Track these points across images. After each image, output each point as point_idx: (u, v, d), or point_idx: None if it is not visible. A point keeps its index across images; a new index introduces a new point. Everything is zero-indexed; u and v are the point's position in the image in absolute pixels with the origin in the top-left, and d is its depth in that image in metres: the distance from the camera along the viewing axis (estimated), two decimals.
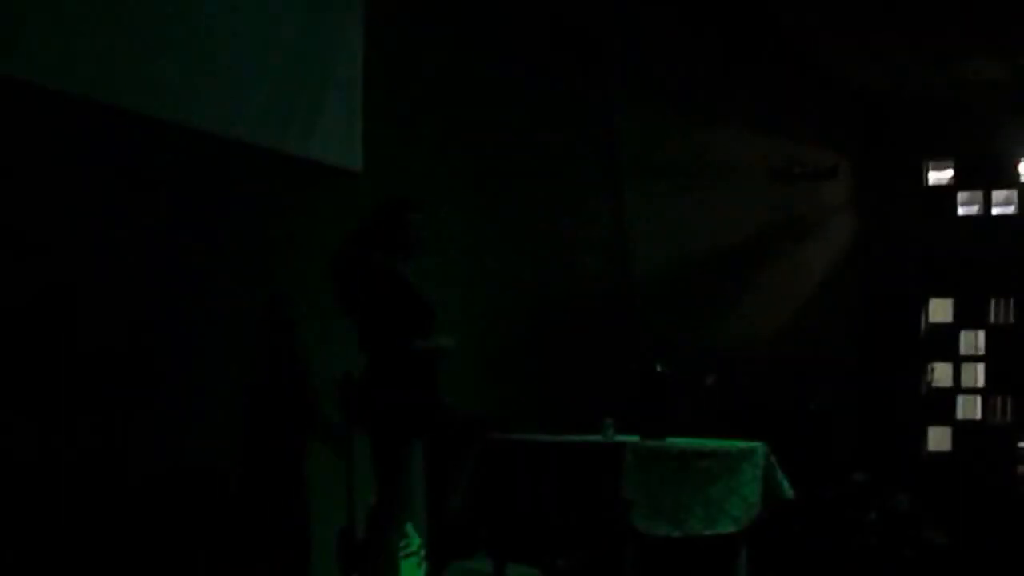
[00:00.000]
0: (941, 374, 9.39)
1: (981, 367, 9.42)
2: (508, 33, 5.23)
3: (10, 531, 3.00)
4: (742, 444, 3.92)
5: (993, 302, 9.27)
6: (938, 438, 9.37)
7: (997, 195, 9.34)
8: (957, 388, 9.39)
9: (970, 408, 9.48)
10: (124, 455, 3.39)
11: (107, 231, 3.45)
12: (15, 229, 3.16)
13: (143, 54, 3.60)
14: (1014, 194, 9.28)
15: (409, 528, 3.58)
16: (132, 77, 3.55)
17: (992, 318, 9.31)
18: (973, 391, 9.46)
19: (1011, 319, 9.20)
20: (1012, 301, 9.16)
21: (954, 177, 9.57)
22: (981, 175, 9.39)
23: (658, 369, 3.85)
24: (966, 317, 9.40)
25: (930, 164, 9.61)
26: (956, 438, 9.28)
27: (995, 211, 9.35)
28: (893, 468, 7.21)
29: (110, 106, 3.46)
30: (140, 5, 3.62)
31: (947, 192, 9.57)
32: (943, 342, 9.42)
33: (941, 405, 9.34)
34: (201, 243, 3.79)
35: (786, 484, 3.95)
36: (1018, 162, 9.07)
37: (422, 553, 3.78)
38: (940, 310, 9.49)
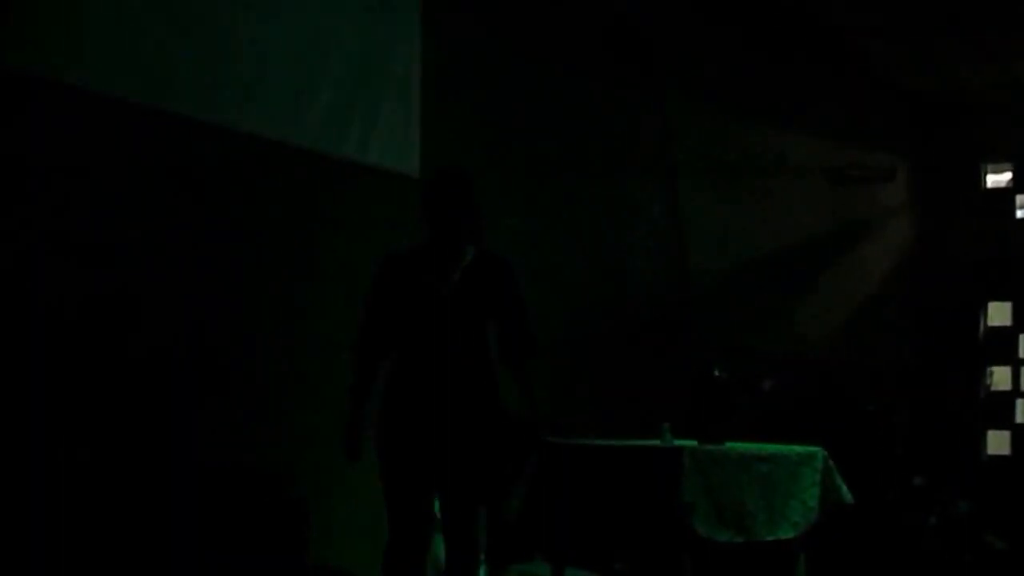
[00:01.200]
0: (1000, 378, 9.18)
1: None
2: (563, 35, 5.19)
3: (74, 531, 3.01)
4: (801, 449, 3.84)
5: None
6: (997, 442, 9.15)
7: None
8: (1016, 392, 9.16)
9: None
10: (191, 453, 3.40)
11: (169, 235, 3.46)
12: (82, 233, 3.19)
13: (203, 60, 3.62)
14: None
15: None
16: (192, 82, 3.57)
17: None
18: None
19: None
20: None
21: (1012, 179, 9.36)
22: None
23: (716, 373, 3.78)
24: None
25: (988, 167, 9.39)
26: (1015, 442, 9.06)
27: None
28: (952, 472, 7.04)
29: (170, 112, 3.48)
30: (199, 11, 3.64)
31: (1005, 195, 9.36)
32: (1002, 346, 9.20)
33: (1000, 409, 9.13)
34: (261, 247, 3.80)
35: (845, 488, 3.86)
36: None
37: (481, 557, 3.74)
38: (998, 314, 9.27)
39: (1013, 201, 9.23)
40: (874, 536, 5.39)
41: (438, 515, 2.91)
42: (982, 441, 9.07)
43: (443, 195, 2.86)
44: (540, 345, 3.04)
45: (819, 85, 7.44)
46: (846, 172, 7.79)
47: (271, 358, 3.79)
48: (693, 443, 3.56)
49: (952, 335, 8.99)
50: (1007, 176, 9.35)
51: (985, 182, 9.40)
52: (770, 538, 3.54)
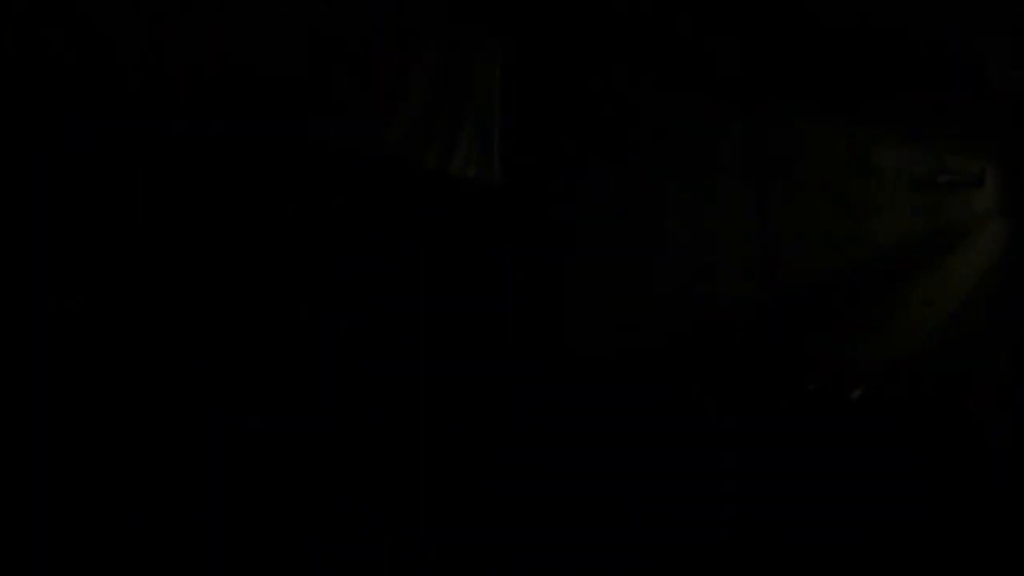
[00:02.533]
0: None
1: None
2: (644, 43, 5.09)
3: None
4: None
5: None
6: None
7: None
8: None
9: None
10: None
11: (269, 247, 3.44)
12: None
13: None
14: None
15: None
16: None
17: None
18: None
19: None
20: None
21: None
22: None
23: (809, 387, 3.62)
24: None
25: None
26: None
27: None
28: None
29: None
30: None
31: None
32: None
33: None
34: (350, 257, 3.76)
35: None
36: None
37: None
38: None
39: None
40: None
41: None
42: None
43: None
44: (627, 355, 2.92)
45: (906, 89, 7.22)
46: (934, 177, 7.55)
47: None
48: None
49: None
50: None
51: None
52: None
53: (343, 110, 3.77)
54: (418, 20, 4.07)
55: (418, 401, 3.59)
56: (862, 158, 6.87)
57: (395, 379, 3.65)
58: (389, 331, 3.73)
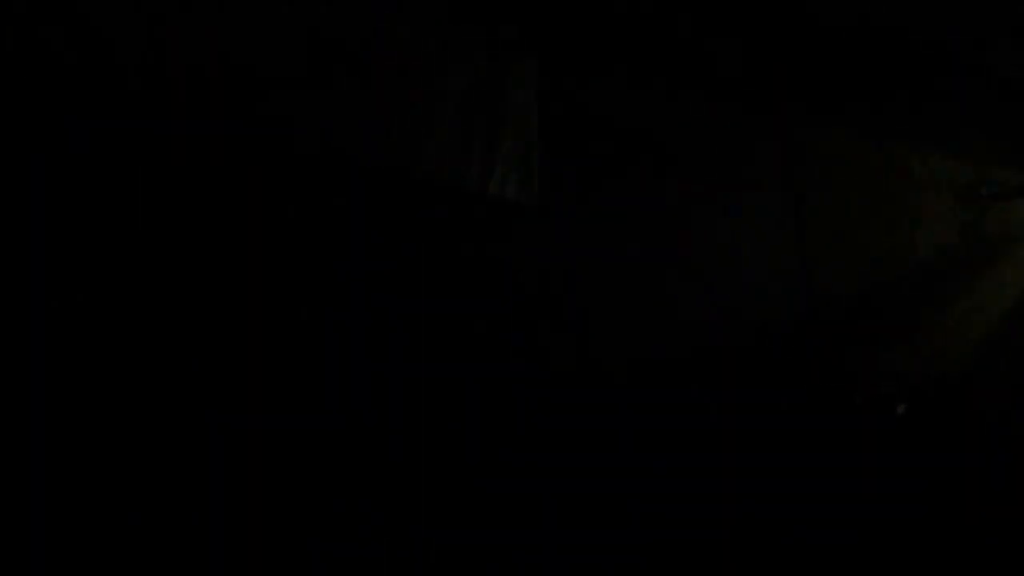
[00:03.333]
0: None
1: None
2: (680, 58, 5.05)
3: None
4: None
5: None
6: None
7: None
8: None
9: None
10: None
11: (300, 267, 3.43)
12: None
13: (340, 94, 3.60)
14: None
15: None
16: (311, 114, 3.56)
17: None
18: None
19: None
20: None
21: None
22: None
23: (855, 399, 3.55)
24: None
25: None
26: None
27: None
28: None
29: (313, 150, 3.48)
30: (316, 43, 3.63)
31: None
32: None
33: None
34: (386, 278, 3.75)
35: None
36: None
37: None
38: None
39: None
40: None
41: None
42: None
43: None
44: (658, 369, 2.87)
45: (946, 100, 7.12)
46: (978, 189, 7.43)
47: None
48: None
49: None
50: None
51: None
52: None
53: (378, 133, 3.77)
54: (452, 39, 4.07)
55: (440, 403, 3.57)
56: (902, 169, 6.78)
57: (426, 390, 3.63)
58: (427, 351, 3.71)
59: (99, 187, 3.02)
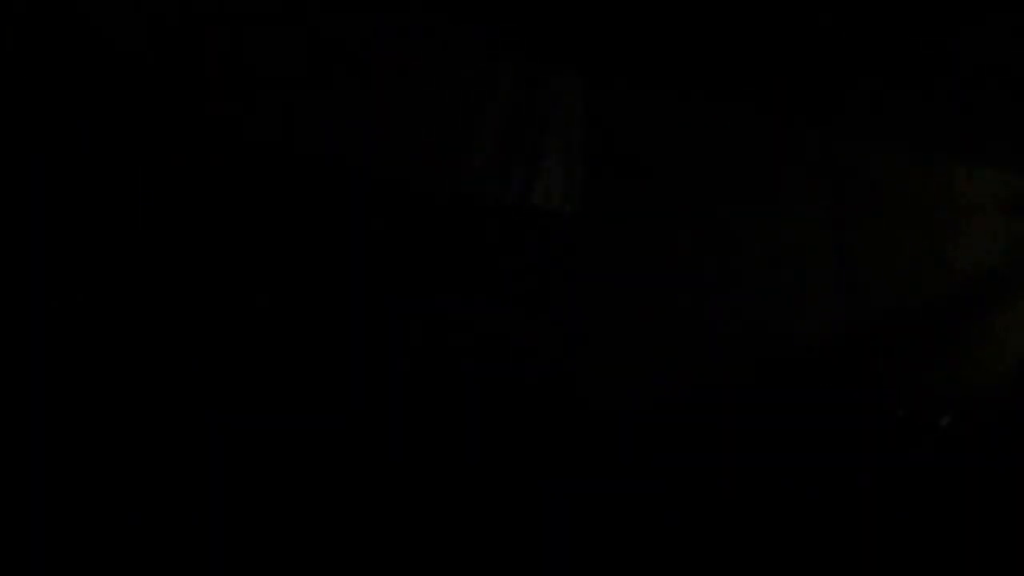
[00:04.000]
0: None
1: None
2: (723, 73, 5.03)
3: None
4: None
5: None
6: None
7: None
8: None
9: None
10: None
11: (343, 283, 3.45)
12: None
13: (371, 112, 3.63)
14: None
15: None
16: (362, 136, 3.58)
17: None
18: None
19: None
20: None
21: None
22: None
23: (899, 413, 3.51)
24: None
25: None
26: None
27: None
28: None
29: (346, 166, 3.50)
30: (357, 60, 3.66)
31: None
32: None
33: None
34: (433, 294, 3.76)
35: None
36: None
37: None
38: None
39: None
40: None
41: None
42: None
43: None
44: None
45: (992, 114, 7.03)
46: (1021, 203, 7.32)
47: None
48: None
49: None
50: None
51: None
52: None
53: (419, 149, 3.78)
54: (494, 53, 4.08)
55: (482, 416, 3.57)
56: (944, 183, 6.70)
57: (472, 406, 3.63)
58: (469, 362, 3.72)
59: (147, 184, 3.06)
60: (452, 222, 3.87)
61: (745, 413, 4.59)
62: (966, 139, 6.82)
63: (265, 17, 3.36)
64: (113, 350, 2.96)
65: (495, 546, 3.42)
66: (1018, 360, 7.15)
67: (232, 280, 3.16)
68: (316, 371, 3.28)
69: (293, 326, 3.26)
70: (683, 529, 3.61)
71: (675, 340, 4.60)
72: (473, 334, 3.73)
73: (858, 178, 5.99)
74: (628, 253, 4.52)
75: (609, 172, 4.48)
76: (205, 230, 3.13)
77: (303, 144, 3.39)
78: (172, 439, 2.95)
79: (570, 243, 4.21)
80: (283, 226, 3.31)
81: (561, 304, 4.10)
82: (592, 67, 4.47)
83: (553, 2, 4.22)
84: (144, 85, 3.10)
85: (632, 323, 4.43)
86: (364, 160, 3.55)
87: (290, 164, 3.37)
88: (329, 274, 3.42)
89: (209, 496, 2.93)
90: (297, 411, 3.16)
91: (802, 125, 5.66)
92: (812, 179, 5.73)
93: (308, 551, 3.10)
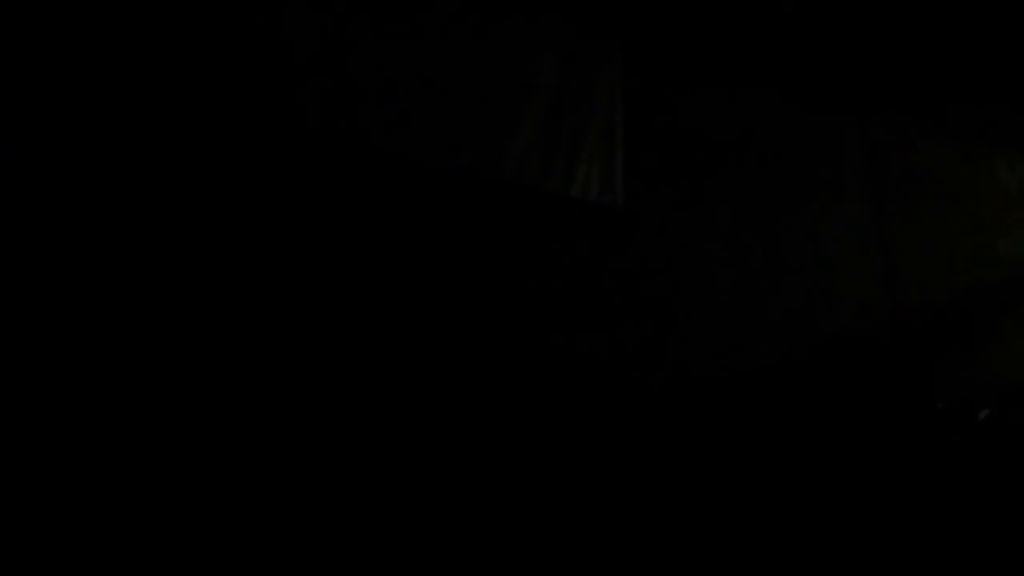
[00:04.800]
0: None
1: None
2: (766, 65, 5.00)
3: None
4: None
5: None
6: None
7: None
8: None
9: None
10: None
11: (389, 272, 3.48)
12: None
13: (403, 96, 3.66)
14: None
15: None
16: (411, 123, 3.61)
17: None
18: None
19: None
20: None
21: None
22: None
23: (937, 406, 3.49)
24: None
25: None
26: None
27: None
28: None
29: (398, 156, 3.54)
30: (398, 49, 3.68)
31: None
32: None
33: None
34: (471, 283, 3.77)
35: None
36: None
37: None
38: None
39: None
40: None
41: None
42: None
43: None
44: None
45: None
46: None
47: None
48: None
49: None
50: None
51: None
52: None
53: (461, 135, 3.79)
54: (536, 41, 4.08)
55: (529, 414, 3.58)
56: (986, 175, 6.62)
57: (508, 398, 3.64)
58: (508, 354, 3.73)
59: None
60: (495, 209, 3.89)
61: (780, 401, 4.58)
62: (1010, 133, 6.73)
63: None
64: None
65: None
66: None
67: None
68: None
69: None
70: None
71: (718, 328, 4.59)
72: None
73: (899, 169, 5.93)
74: (669, 244, 4.51)
75: (652, 164, 4.47)
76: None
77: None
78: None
79: (611, 232, 4.21)
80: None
81: (601, 294, 4.10)
82: (634, 57, 4.46)
83: None
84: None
85: (672, 313, 4.42)
86: (421, 150, 3.59)
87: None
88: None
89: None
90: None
91: (843, 117, 5.62)
92: (853, 170, 5.68)
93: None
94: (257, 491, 2.99)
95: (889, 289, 5.72)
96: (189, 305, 3.02)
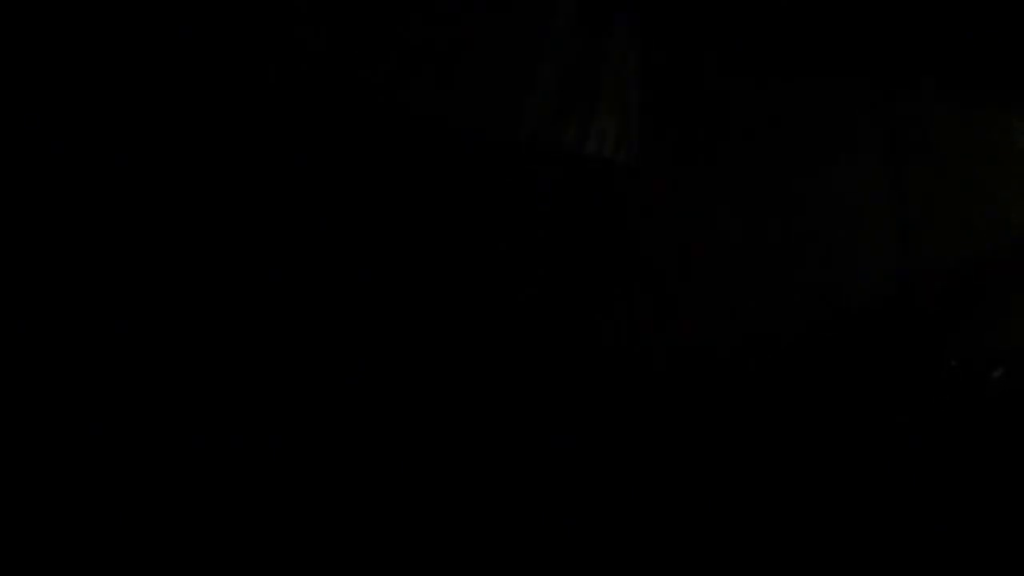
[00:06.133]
0: None
1: None
2: (782, 27, 4.95)
3: None
4: None
5: None
6: None
7: None
8: None
9: None
10: None
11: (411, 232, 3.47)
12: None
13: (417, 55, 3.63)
14: None
15: None
16: (434, 85, 3.58)
17: None
18: None
19: None
20: None
21: None
22: None
23: (952, 363, 3.46)
24: None
25: None
26: None
27: None
28: None
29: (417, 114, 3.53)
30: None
31: None
32: None
33: None
34: (490, 242, 3.75)
35: None
36: None
37: None
38: None
39: None
40: None
41: None
42: None
43: None
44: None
45: None
46: None
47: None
48: None
49: None
50: None
51: None
52: None
53: (476, 93, 3.76)
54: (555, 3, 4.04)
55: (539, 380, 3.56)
56: (1003, 142, 6.54)
57: (518, 360, 3.62)
58: (521, 315, 3.71)
59: None
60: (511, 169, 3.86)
61: (799, 366, 4.56)
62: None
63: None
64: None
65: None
66: None
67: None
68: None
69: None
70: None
71: (735, 294, 4.57)
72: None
73: (915, 135, 5.87)
74: (688, 210, 4.48)
75: (667, 127, 4.43)
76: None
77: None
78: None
79: (625, 195, 4.18)
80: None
81: (616, 256, 4.07)
82: (657, 21, 4.41)
83: None
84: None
85: (691, 280, 4.40)
86: (431, 107, 3.57)
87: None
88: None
89: None
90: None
91: (862, 82, 5.55)
92: (870, 137, 5.62)
93: None
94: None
95: (905, 254, 5.68)
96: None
